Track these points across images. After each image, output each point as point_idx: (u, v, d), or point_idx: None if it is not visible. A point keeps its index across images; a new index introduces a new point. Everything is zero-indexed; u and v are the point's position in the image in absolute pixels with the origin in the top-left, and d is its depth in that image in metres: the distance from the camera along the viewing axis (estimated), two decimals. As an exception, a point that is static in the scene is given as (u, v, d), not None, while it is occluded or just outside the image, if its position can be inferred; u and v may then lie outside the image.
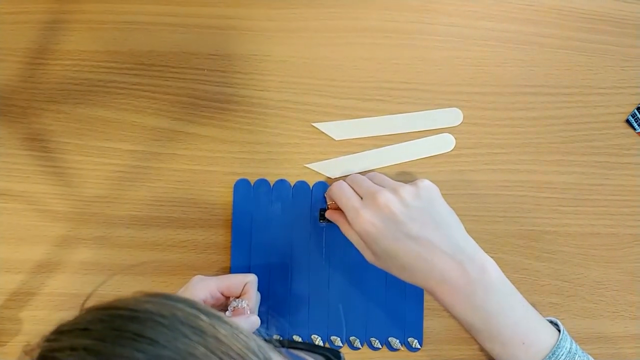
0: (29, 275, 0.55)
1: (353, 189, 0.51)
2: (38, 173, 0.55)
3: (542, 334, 0.46)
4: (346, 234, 0.52)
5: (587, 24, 0.59)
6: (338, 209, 0.53)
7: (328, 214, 0.55)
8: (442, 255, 0.46)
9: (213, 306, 0.50)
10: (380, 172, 0.56)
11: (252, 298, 0.49)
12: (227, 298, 0.50)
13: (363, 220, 0.48)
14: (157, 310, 0.29)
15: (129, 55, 0.57)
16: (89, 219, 0.55)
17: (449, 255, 0.46)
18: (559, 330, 0.47)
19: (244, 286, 0.49)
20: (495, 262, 0.56)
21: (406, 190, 0.48)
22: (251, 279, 0.50)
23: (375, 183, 0.51)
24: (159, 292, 0.31)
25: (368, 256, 0.50)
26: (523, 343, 0.45)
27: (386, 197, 0.48)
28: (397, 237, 0.46)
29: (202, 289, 0.48)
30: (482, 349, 0.55)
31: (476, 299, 0.45)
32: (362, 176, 0.53)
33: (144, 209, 0.55)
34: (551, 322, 0.48)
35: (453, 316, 0.47)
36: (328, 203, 0.55)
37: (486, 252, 0.56)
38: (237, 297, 0.49)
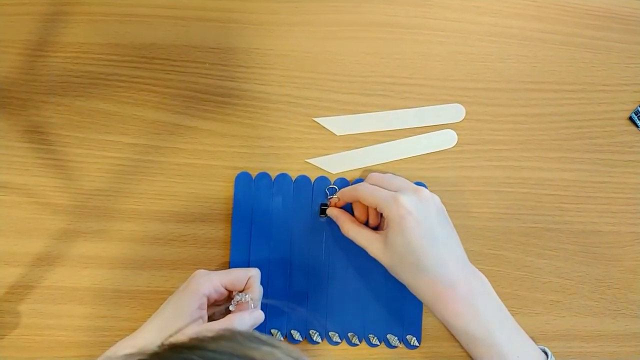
0: (28, 268, 0.54)
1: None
2: (38, 166, 0.55)
3: (532, 351, 0.49)
4: (350, 232, 0.52)
5: (592, 20, 0.59)
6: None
7: (330, 211, 0.54)
8: (455, 264, 0.48)
9: (217, 301, 0.50)
10: (379, 169, 0.56)
11: (256, 292, 0.49)
12: (230, 292, 0.50)
13: (401, 206, 0.47)
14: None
15: (130, 47, 0.56)
16: (89, 213, 0.55)
17: (460, 265, 0.48)
18: (547, 355, 0.50)
19: (247, 280, 0.49)
20: (497, 259, 0.57)
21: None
22: (254, 273, 0.50)
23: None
24: (241, 332, 0.30)
25: (378, 250, 0.49)
26: (518, 357, 0.47)
27: (428, 193, 0.49)
28: (425, 234, 0.47)
29: (205, 284, 0.48)
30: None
31: (478, 307, 0.47)
32: (384, 174, 0.53)
33: (145, 202, 0.55)
34: (543, 351, 0.51)
35: (451, 326, 0.48)
36: (330, 198, 0.55)
37: (488, 249, 0.57)
38: (241, 291, 0.49)
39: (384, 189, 0.50)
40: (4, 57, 0.56)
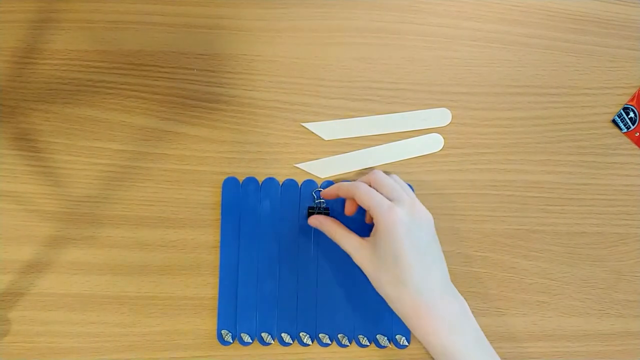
0: (17, 275, 0.54)
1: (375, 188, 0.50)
2: (27, 173, 0.55)
3: None
4: (336, 236, 0.51)
5: (574, 24, 0.60)
6: (325, 212, 0.54)
7: (314, 220, 0.54)
8: (437, 283, 0.47)
9: None
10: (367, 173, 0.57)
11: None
12: None
13: (395, 215, 0.47)
14: None
15: (118, 54, 0.57)
16: (78, 219, 0.55)
17: (442, 284, 0.48)
18: None
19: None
20: (483, 261, 0.58)
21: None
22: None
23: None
24: None
25: (364, 257, 0.49)
26: None
27: (424, 210, 0.49)
28: (415, 246, 0.47)
29: None
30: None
31: (455, 328, 0.46)
32: (387, 177, 0.51)
33: (133, 208, 0.55)
34: None
35: (427, 343, 0.47)
36: (318, 200, 0.55)
37: (474, 251, 0.58)
38: None
39: (383, 194, 0.49)
40: (-8, 64, 0.56)
